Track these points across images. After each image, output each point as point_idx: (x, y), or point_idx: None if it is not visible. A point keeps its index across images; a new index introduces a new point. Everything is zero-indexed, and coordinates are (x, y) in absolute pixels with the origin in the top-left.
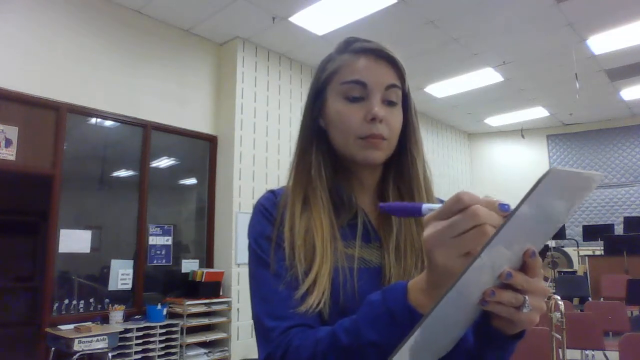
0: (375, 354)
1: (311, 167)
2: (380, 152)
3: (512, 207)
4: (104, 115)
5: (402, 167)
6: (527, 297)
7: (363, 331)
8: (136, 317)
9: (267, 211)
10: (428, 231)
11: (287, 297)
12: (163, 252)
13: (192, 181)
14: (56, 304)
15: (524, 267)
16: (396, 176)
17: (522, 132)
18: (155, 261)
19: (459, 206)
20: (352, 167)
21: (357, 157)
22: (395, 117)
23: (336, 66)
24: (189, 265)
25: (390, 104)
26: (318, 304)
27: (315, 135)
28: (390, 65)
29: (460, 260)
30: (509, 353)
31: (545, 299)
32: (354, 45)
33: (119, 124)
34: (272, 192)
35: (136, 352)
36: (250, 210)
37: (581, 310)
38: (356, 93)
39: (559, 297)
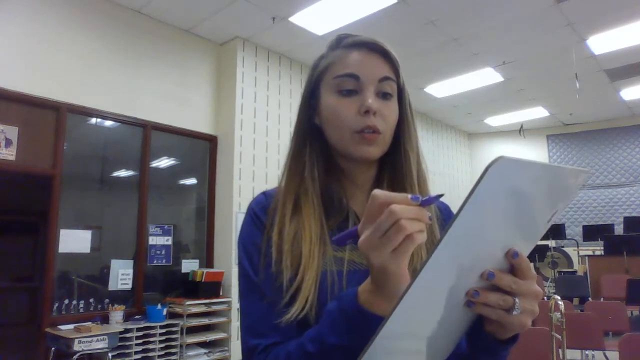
0: (339, 356)
1: (304, 167)
2: (375, 147)
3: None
4: (104, 115)
5: (396, 163)
6: (517, 299)
7: (325, 337)
8: (136, 317)
9: (256, 216)
10: (362, 237)
11: (269, 311)
12: (163, 252)
13: (192, 181)
14: (56, 304)
15: (513, 269)
16: (390, 174)
17: (522, 128)
18: (155, 261)
19: (374, 203)
20: (346, 166)
21: (353, 152)
22: (390, 110)
23: (329, 62)
24: (189, 265)
25: (384, 96)
26: (301, 311)
27: (309, 135)
28: (383, 58)
29: (391, 257)
30: (502, 358)
31: (542, 298)
32: (345, 40)
33: (119, 124)
34: (263, 194)
35: (136, 352)
36: None
37: (581, 310)
38: (349, 86)
39: (559, 297)
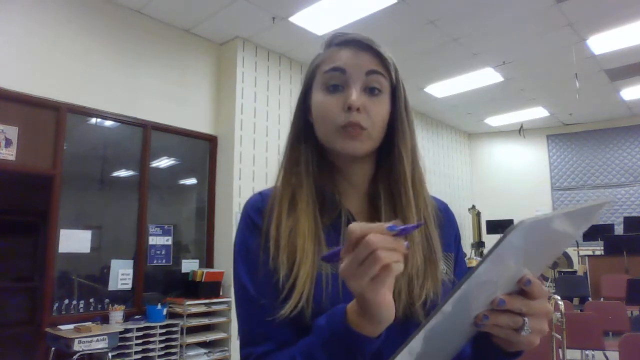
0: None
1: (299, 164)
2: (359, 142)
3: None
4: (104, 115)
5: (390, 163)
6: (526, 320)
7: (315, 353)
8: (136, 317)
9: (252, 220)
10: (341, 265)
11: (262, 320)
12: (163, 252)
13: (192, 181)
14: (56, 304)
15: (523, 290)
16: (386, 174)
17: (522, 128)
18: (155, 261)
19: (352, 237)
20: (339, 164)
21: (338, 147)
22: (377, 107)
23: (320, 59)
24: (189, 265)
25: (372, 92)
26: (294, 308)
27: (304, 132)
28: (372, 54)
29: (369, 285)
30: None
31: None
32: (337, 39)
33: (119, 124)
34: (259, 194)
35: (136, 352)
36: None
37: (581, 310)
38: (336, 81)
39: (559, 297)
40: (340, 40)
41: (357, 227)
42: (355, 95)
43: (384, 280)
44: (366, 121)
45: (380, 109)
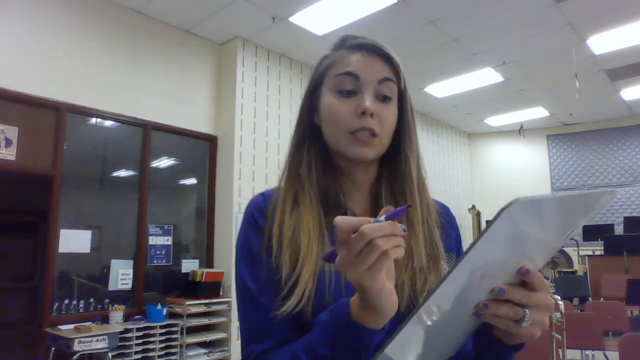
0: None
1: (302, 165)
2: (370, 149)
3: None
4: (104, 115)
5: (395, 166)
6: (527, 311)
7: (317, 348)
8: (136, 317)
9: (255, 221)
10: (337, 258)
11: (263, 318)
12: (163, 252)
13: (192, 181)
14: (56, 304)
15: (524, 282)
16: (390, 176)
17: (522, 128)
18: (155, 261)
19: (340, 231)
20: (344, 165)
21: (347, 152)
22: (388, 113)
23: (331, 61)
24: (189, 265)
25: (384, 99)
26: (297, 305)
27: (309, 133)
28: (384, 60)
29: (366, 274)
30: None
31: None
32: (349, 42)
33: (119, 124)
34: (262, 195)
35: (136, 352)
36: None
37: (581, 310)
38: (349, 86)
39: (559, 297)
40: (352, 44)
41: (341, 222)
42: (368, 101)
43: (381, 267)
44: (378, 127)
45: (390, 115)
